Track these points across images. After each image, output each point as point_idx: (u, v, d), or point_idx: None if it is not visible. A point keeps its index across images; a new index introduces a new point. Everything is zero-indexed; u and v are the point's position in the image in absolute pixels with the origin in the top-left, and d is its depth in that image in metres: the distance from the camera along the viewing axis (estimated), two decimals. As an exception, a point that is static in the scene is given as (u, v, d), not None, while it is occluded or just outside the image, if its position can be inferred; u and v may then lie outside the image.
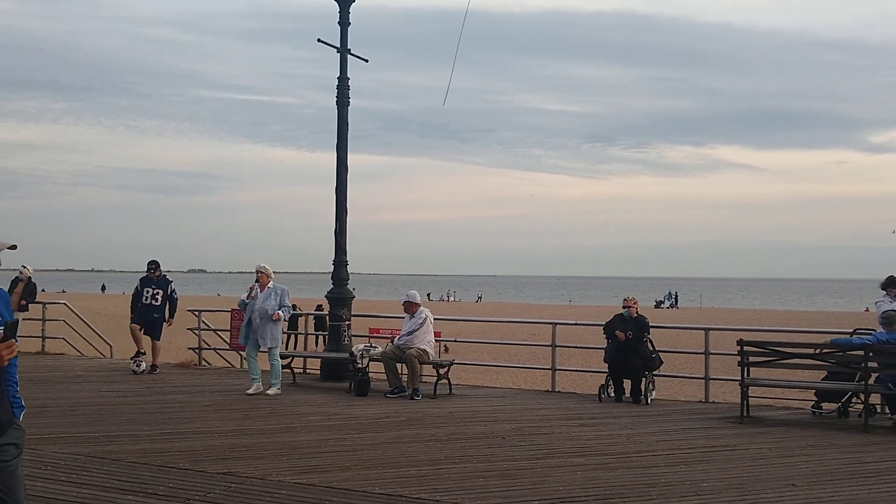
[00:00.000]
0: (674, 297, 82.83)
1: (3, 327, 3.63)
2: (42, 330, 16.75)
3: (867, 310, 70.47)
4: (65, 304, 17.44)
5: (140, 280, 14.23)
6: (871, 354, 9.77)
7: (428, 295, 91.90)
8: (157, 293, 14.02)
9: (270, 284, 12.02)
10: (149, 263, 14.25)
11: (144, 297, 13.98)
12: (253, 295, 11.94)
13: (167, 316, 14.05)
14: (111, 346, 17.14)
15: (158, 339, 14.05)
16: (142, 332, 13.90)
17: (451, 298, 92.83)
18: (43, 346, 16.81)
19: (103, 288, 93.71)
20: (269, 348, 11.82)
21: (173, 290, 14.16)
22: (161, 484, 6.66)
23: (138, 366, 13.80)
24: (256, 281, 12.05)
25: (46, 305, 16.97)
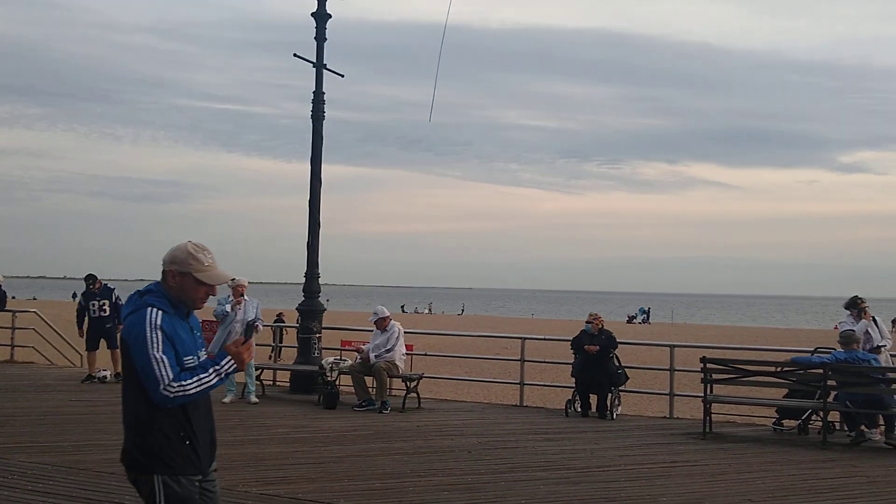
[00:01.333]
0: (646, 312, 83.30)
1: (244, 328, 3.94)
2: (11, 338, 16.65)
3: (836, 327, 71.41)
4: (35, 312, 17.35)
5: (82, 295, 14.45)
6: (829, 373, 10.01)
7: (402, 307, 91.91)
8: (104, 304, 14.20)
9: (246, 297, 12.12)
10: (86, 278, 14.49)
11: (92, 311, 14.16)
12: (237, 308, 12.01)
13: (118, 322, 14.08)
14: (82, 356, 17.04)
15: (117, 347, 14.05)
16: (97, 350, 14.09)
17: (428, 311, 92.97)
18: (12, 354, 16.70)
19: (74, 295, 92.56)
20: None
21: (117, 297, 14.34)
22: (127, 493, 6.67)
23: (95, 378, 13.81)
24: (241, 294, 12.09)
25: (16, 314, 16.86)
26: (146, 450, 3.47)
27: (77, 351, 17.01)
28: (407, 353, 12.47)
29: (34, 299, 79.87)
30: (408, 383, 12.00)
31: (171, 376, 3.41)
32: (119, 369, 13.91)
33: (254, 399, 12.04)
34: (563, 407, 12.06)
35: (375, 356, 11.87)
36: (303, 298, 13.77)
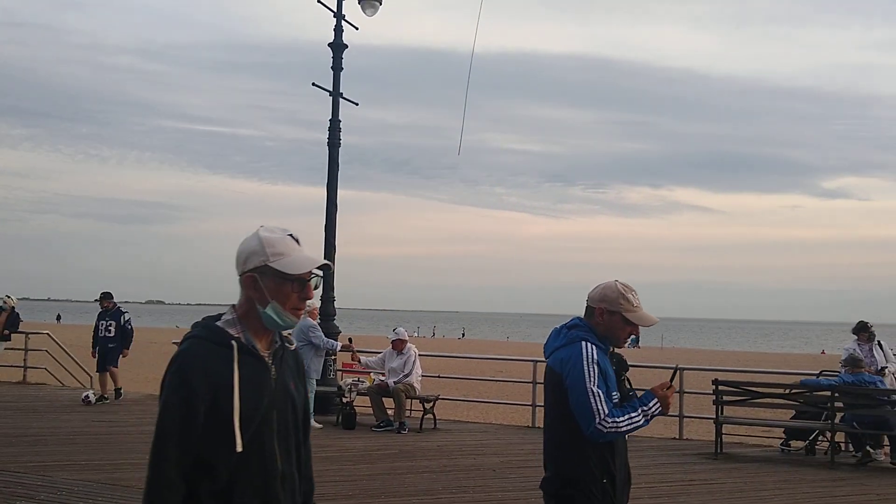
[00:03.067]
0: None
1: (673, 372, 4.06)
2: (24, 360, 16.84)
3: (823, 352, 71.99)
4: (47, 334, 17.55)
5: (97, 315, 14.72)
6: (836, 395, 10.38)
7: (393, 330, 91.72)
8: (111, 325, 14.49)
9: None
10: (100, 296, 14.73)
11: (100, 330, 14.47)
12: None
13: (123, 346, 14.45)
14: (91, 377, 17.22)
15: (116, 366, 14.47)
16: (104, 371, 14.32)
17: (415, 334, 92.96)
18: (24, 375, 16.89)
19: (58, 318, 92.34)
20: (316, 379, 12.26)
21: (127, 321, 14.61)
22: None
23: (90, 398, 14.06)
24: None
25: (29, 335, 17.06)
26: (569, 481, 3.52)
27: (87, 372, 17.20)
28: (423, 375, 12.77)
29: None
30: (424, 404, 12.29)
31: (606, 411, 3.46)
32: (106, 392, 14.15)
33: (316, 424, 12.05)
34: (576, 428, 12.35)
35: (394, 381, 12.16)
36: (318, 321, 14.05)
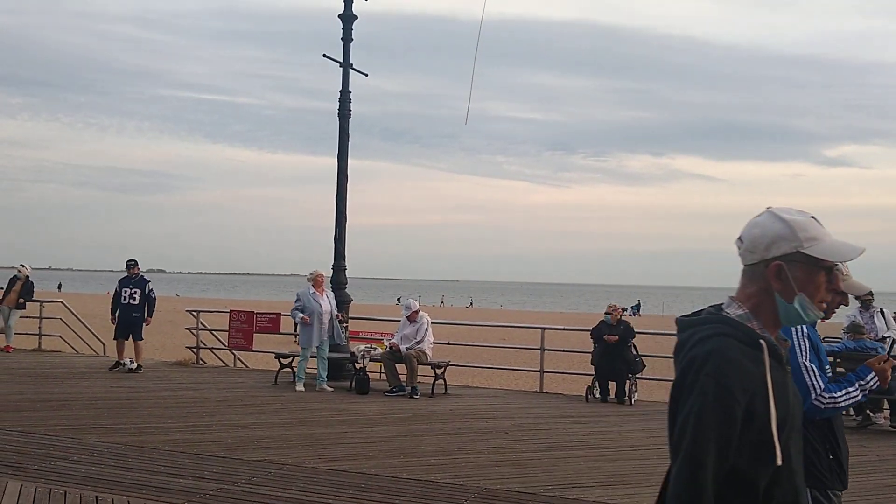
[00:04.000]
0: (637, 305, 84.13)
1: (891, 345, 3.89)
2: (39, 328, 17.13)
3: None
4: (62, 302, 17.83)
5: (119, 281, 14.62)
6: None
7: (398, 300, 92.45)
8: (136, 293, 14.41)
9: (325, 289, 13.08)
10: (127, 262, 14.63)
11: (123, 297, 14.37)
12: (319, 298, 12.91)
13: (146, 315, 14.50)
14: (104, 345, 17.52)
15: (141, 339, 14.45)
16: (126, 339, 14.37)
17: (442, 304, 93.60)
18: (40, 343, 17.19)
19: (59, 286, 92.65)
20: (328, 345, 12.93)
21: (151, 290, 14.59)
22: (206, 469, 7.27)
23: (124, 365, 14.25)
24: (321, 285, 13.05)
25: (43, 304, 17.34)
26: None
27: (100, 340, 17.49)
28: (435, 342, 13.07)
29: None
30: (436, 370, 12.60)
31: (822, 386, 3.38)
32: (139, 360, 14.33)
33: (327, 388, 12.65)
34: (584, 393, 12.67)
35: (406, 347, 12.46)
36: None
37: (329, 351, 13.24)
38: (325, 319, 12.76)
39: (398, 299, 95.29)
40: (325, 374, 12.76)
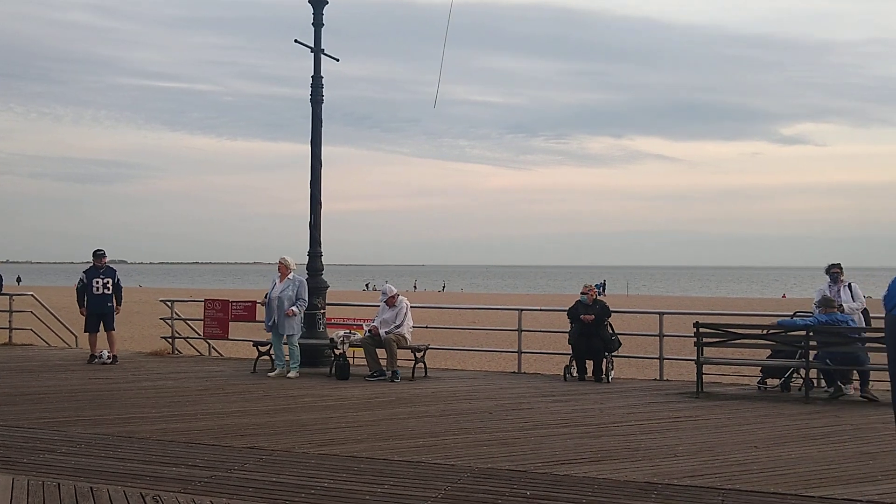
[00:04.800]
0: (601, 284, 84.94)
1: None
2: (10, 321, 16.90)
3: (784, 296, 73.74)
4: (32, 295, 17.60)
5: (85, 272, 14.52)
6: (811, 334, 10.93)
7: (366, 285, 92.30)
8: (108, 282, 14.40)
9: (290, 276, 13.00)
10: (95, 252, 14.56)
11: (95, 288, 14.30)
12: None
13: (116, 304, 14.49)
14: (76, 337, 17.35)
15: (113, 329, 14.46)
16: (97, 332, 14.27)
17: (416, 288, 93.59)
18: (10, 337, 16.97)
19: (18, 280, 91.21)
20: (287, 335, 12.82)
21: (119, 279, 14.66)
22: (197, 457, 7.29)
23: (99, 357, 14.15)
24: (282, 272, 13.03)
25: (13, 297, 17.11)
26: None
27: (72, 332, 17.32)
28: (414, 326, 13.13)
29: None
30: (416, 354, 12.67)
31: None
32: (114, 351, 14.25)
33: (292, 374, 12.71)
34: (561, 372, 12.84)
35: (386, 331, 12.52)
36: (306, 276, 14.31)
37: (305, 338, 13.28)
38: (275, 305, 12.84)
39: (366, 285, 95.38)
40: (294, 364, 12.85)
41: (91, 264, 14.58)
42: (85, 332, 14.54)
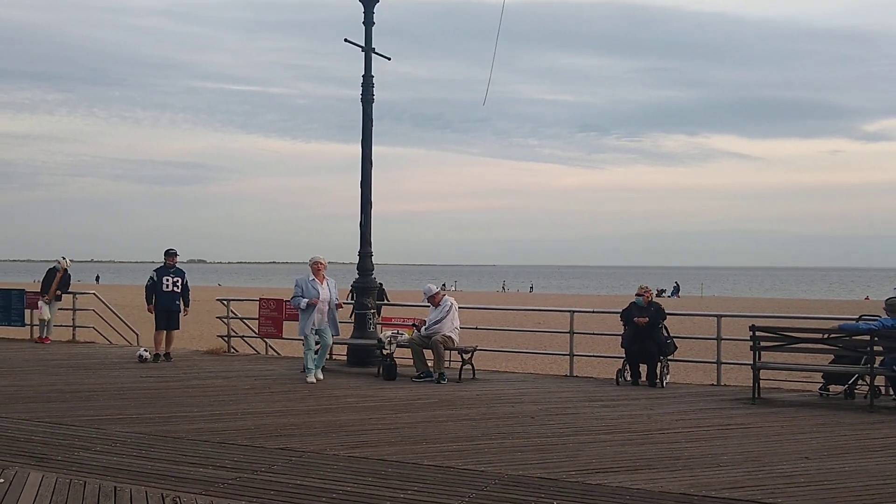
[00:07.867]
0: (675, 286, 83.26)
1: None
2: (73, 319, 17.33)
3: (867, 298, 71.16)
4: (94, 294, 18.03)
5: (155, 270, 14.57)
6: (876, 339, 10.35)
7: (444, 285, 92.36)
8: (177, 281, 14.52)
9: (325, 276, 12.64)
10: (167, 251, 14.66)
11: (165, 285, 14.39)
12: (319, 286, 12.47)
13: (184, 305, 14.62)
14: (137, 335, 17.69)
15: (178, 328, 14.70)
16: (166, 328, 14.40)
17: (453, 289, 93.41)
18: (74, 334, 17.39)
19: (97, 279, 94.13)
20: (332, 336, 12.55)
21: (187, 282, 14.79)
22: (226, 458, 7.24)
23: (145, 356, 14.23)
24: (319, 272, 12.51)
25: (77, 295, 17.54)
26: None
27: (133, 330, 17.65)
28: (462, 327, 12.94)
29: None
30: (463, 355, 12.49)
31: None
32: (169, 349, 14.42)
33: (313, 378, 12.11)
34: (614, 376, 12.49)
35: (425, 329, 12.39)
36: (357, 276, 14.28)
37: (356, 337, 13.18)
38: (324, 308, 12.39)
39: (443, 285, 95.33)
40: (321, 363, 12.40)
41: (163, 263, 14.73)
42: (157, 329, 14.56)
